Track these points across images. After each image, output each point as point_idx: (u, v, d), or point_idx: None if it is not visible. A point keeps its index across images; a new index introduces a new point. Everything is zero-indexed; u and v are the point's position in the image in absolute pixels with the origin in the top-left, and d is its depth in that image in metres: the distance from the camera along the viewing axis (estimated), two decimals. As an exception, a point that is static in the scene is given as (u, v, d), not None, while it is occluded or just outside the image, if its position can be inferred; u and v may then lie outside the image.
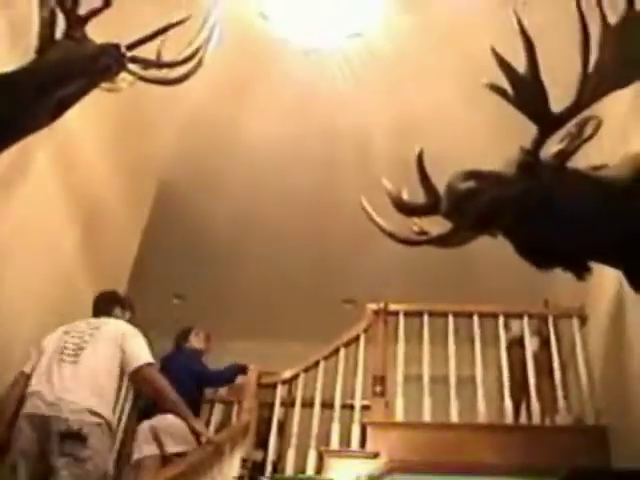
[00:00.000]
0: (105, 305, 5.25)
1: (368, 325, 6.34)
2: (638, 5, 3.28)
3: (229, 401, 7.21)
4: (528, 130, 3.22)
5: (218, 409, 7.14)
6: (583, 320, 6.08)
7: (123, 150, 6.57)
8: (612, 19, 3.25)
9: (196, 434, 5.20)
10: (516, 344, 6.47)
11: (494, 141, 5.65)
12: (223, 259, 8.64)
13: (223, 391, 7.37)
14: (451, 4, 5.74)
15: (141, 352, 4.81)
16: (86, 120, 5.50)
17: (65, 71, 3.72)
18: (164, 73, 4.29)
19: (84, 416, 4.31)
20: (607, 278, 4.75)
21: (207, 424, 6.78)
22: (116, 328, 4.91)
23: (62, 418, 4.25)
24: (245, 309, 9.18)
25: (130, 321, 5.19)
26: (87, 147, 5.91)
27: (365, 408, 6.00)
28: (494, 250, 3.92)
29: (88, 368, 4.53)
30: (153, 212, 7.60)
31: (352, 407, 6.05)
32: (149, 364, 4.78)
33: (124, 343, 4.78)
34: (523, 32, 3.09)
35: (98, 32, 3.94)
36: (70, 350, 4.63)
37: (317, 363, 6.33)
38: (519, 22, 3.11)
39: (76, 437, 4.22)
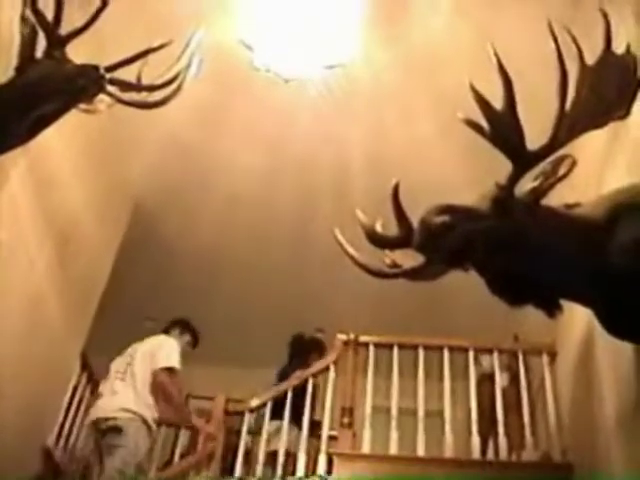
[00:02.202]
0: (167, 326, 6.20)
1: (338, 356, 6.32)
2: (615, 46, 3.33)
3: (195, 427, 7.16)
4: (504, 165, 3.23)
5: (184, 435, 7.08)
6: (552, 356, 6.09)
7: (98, 171, 6.55)
8: (590, 59, 3.29)
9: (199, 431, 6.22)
10: (486, 379, 6.47)
11: (470, 175, 5.69)
12: (196, 283, 8.61)
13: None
14: (430, 38, 5.79)
15: (163, 357, 5.59)
16: (62, 140, 5.47)
17: (43, 90, 3.72)
18: (143, 96, 4.29)
19: (121, 413, 5.25)
20: (577, 315, 4.76)
21: (172, 450, 6.73)
22: (157, 341, 5.79)
23: (105, 417, 5.29)
24: (215, 334, 9.09)
25: (193, 346, 6.17)
26: (62, 167, 5.88)
27: (332, 438, 5.97)
28: (466, 284, 3.92)
29: (130, 378, 5.47)
30: (127, 234, 7.57)
31: (319, 437, 6.02)
32: (166, 368, 5.54)
33: (155, 351, 5.62)
34: (501, 68, 3.12)
35: (79, 53, 3.94)
36: (121, 368, 5.57)
37: (285, 392, 6.30)
38: (497, 58, 3.13)
39: (114, 429, 5.20)
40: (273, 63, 5.68)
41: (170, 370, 5.56)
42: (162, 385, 5.49)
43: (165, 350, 5.65)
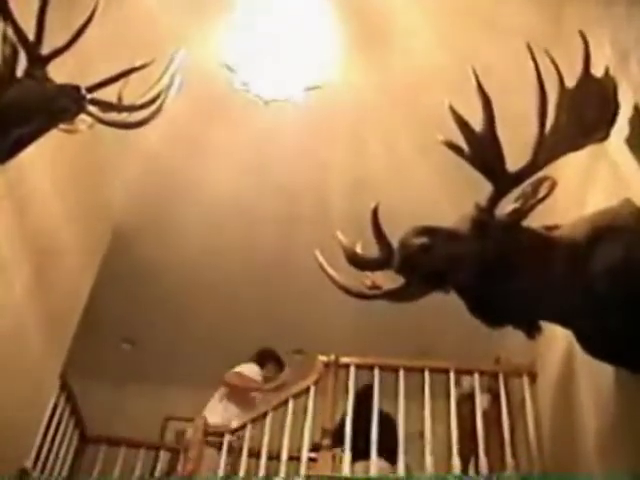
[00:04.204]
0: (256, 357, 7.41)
1: (318, 377, 6.29)
2: (594, 69, 3.36)
3: (175, 449, 7.12)
4: (484, 187, 3.25)
5: (164, 457, 7.04)
6: (533, 377, 6.09)
7: (78, 192, 6.52)
8: (569, 82, 3.31)
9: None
10: (466, 400, 6.46)
11: (450, 197, 5.72)
12: (175, 306, 8.60)
13: (170, 438, 7.28)
14: (410, 60, 5.83)
15: (236, 369, 7.03)
16: (41, 160, 5.44)
17: (23, 110, 3.71)
18: (123, 117, 4.29)
19: None
20: (557, 336, 4.77)
21: (152, 472, 6.69)
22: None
23: None
24: (195, 356, 9.10)
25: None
26: (41, 188, 5.84)
27: (312, 460, 5.93)
28: (446, 306, 3.92)
29: None
30: (106, 256, 7.54)
31: (299, 459, 5.98)
32: (233, 372, 6.96)
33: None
34: (480, 89, 3.13)
35: (60, 72, 3.94)
36: None
37: (265, 414, 6.27)
38: (477, 79, 3.15)
39: None
40: (253, 84, 5.69)
41: (236, 372, 7.00)
42: (228, 378, 6.93)
43: (242, 366, 7.09)
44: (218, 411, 6.76)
